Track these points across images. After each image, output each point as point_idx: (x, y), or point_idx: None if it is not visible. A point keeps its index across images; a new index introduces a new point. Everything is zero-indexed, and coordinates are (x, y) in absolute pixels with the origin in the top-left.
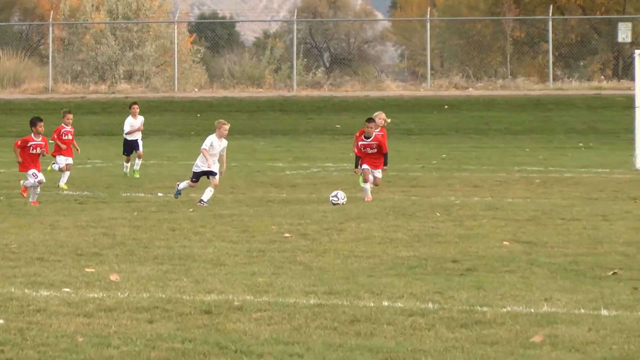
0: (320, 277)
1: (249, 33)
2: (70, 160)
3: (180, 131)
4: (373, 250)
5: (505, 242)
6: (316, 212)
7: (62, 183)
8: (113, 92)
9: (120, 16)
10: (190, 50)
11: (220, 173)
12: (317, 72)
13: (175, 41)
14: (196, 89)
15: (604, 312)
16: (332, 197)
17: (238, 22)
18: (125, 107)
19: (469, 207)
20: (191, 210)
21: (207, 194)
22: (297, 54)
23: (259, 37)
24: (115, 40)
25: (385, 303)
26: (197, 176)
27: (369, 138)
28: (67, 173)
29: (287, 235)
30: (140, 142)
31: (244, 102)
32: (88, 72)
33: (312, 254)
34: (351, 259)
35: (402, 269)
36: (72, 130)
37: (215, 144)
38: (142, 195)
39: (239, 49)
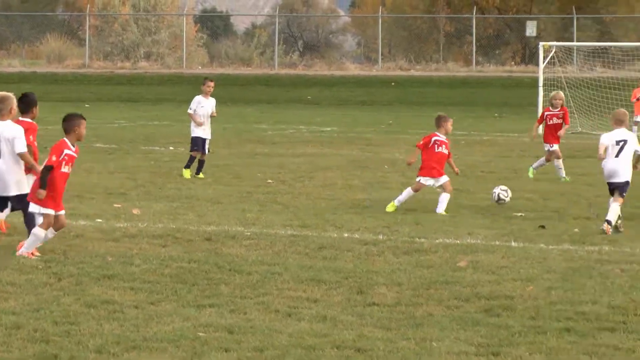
0: (295, 213)
1: (240, 24)
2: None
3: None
4: (336, 193)
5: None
6: (292, 163)
7: None
8: (135, 68)
9: (141, 9)
10: (195, 36)
11: None
12: (293, 56)
13: (184, 29)
14: (199, 67)
15: (514, 244)
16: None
17: (232, 15)
18: (145, 79)
19: None
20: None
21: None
22: (278, 41)
23: (248, 28)
24: (137, 28)
25: (346, 234)
26: None
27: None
28: None
29: (269, 181)
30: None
31: (238, 78)
32: (116, 52)
33: (289, 196)
34: (319, 200)
35: (358, 208)
36: None
37: None
38: (157, 148)
39: (232, 36)
